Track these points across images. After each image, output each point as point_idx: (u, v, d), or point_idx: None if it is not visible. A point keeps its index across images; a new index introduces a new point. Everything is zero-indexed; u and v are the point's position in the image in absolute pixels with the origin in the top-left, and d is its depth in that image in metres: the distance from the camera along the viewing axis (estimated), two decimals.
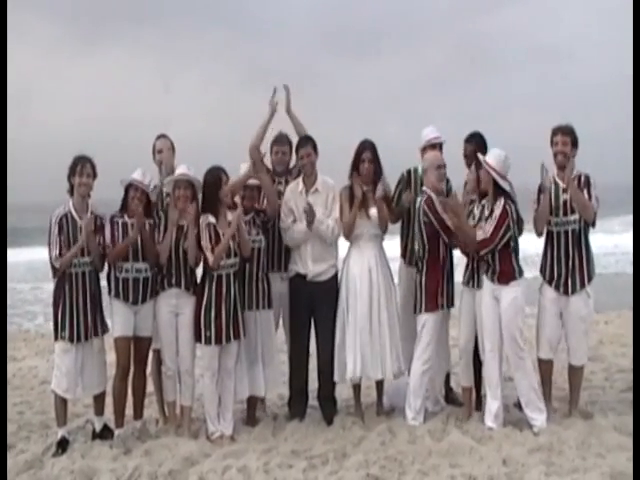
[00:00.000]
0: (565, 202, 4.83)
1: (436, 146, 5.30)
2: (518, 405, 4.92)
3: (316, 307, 5.07)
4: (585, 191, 4.81)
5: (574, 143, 4.86)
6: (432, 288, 4.92)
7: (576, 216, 4.82)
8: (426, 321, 4.92)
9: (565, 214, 4.83)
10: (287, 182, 5.24)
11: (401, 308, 5.21)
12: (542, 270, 4.97)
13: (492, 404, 4.77)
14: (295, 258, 5.13)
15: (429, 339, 4.91)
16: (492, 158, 4.72)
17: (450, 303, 5.01)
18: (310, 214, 4.92)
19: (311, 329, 5.16)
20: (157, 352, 5.10)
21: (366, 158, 5.01)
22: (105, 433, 4.93)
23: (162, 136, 5.29)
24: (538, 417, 4.68)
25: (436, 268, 4.93)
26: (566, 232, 4.82)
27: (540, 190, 4.92)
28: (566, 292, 4.85)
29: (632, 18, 5.43)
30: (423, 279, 4.95)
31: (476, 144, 5.18)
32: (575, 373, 4.99)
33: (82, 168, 4.74)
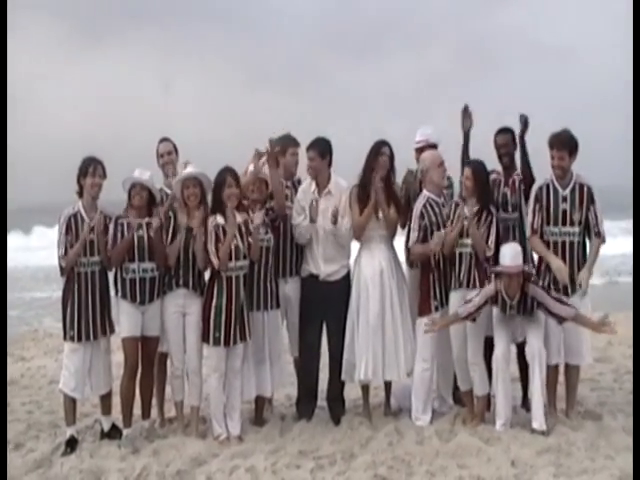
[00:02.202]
0: (564, 211, 4.68)
1: (424, 148, 5.22)
2: (525, 406, 4.91)
3: (328, 307, 5.06)
4: (592, 208, 4.66)
5: (571, 152, 4.70)
6: (424, 292, 4.97)
7: (576, 229, 4.66)
8: (421, 324, 4.91)
9: (564, 224, 4.68)
10: (295, 188, 5.23)
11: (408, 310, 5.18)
12: (538, 277, 4.83)
13: (507, 407, 4.71)
14: (307, 258, 5.13)
15: (424, 340, 4.91)
16: None
17: (445, 304, 4.93)
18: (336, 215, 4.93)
19: (322, 329, 5.15)
20: (160, 354, 5.09)
21: (385, 152, 4.98)
22: (113, 433, 4.94)
23: (165, 139, 5.32)
24: (540, 417, 4.63)
25: (427, 272, 4.97)
26: (563, 243, 4.68)
27: (536, 198, 4.77)
28: (566, 293, 4.78)
29: (632, 18, 5.42)
30: (418, 284, 5.02)
31: (512, 135, 5.06)
32: (572, 373, 4.93)
33: (94, 169, 4.78)
